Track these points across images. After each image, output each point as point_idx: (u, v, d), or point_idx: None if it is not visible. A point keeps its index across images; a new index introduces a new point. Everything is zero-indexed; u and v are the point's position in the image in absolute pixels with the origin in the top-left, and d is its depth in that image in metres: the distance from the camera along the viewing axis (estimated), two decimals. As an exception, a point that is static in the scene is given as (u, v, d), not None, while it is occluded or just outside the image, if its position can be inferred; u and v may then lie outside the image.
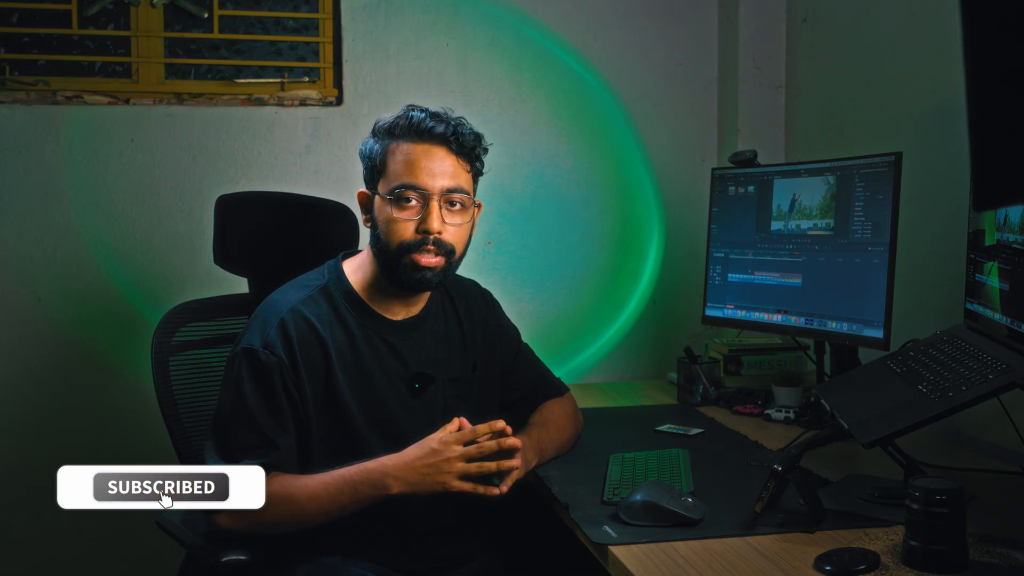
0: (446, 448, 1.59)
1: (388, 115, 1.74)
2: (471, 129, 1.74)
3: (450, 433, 1.61)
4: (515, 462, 1.62)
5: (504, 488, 1.61)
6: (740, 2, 2.80)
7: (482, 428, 1.62)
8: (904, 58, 2.32)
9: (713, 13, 2.91)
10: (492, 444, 1.60)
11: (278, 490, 1.59)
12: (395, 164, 1.70)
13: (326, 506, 1.60)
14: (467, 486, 1.59)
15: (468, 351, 1.87)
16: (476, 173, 1.77)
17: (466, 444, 1.60)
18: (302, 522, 1.61)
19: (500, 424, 1.62)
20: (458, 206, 1.72)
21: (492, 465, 1.60)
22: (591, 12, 2.85)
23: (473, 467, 1.59)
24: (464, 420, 1.64)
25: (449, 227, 1.71)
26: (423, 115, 1.70)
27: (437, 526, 1.75)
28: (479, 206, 1.78)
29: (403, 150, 1.70)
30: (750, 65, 2.82)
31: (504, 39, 2.80)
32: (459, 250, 1.75)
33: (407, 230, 1.69)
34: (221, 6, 2.70)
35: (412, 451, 1.61)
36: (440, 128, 1.70)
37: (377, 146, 1.74)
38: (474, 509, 1.80)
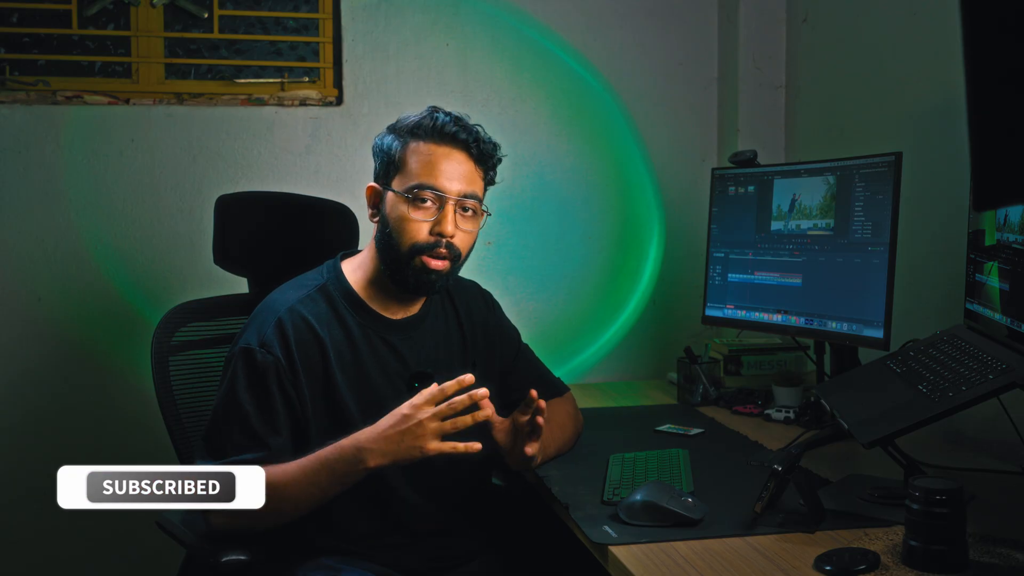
0: (417, 411, 1.56)
1: (411, 114, 1.75)
2: (490, 138, 1.75)
3: (419, 396, 1.58)
4: (488, 411, 1.59)
5: (529, 451, 1.67)
6: (740, 2, 2.80)
7: (450, 385, 1.57)
8: (904, 58, 2.32)
9: (713, 13, 2.91)
10: (463, 398, 1.56)
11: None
12: (414, 163, 1.71)
13: (307, 487, 1.58)
14: (446, 446, 1.56)
15: (468, 351, 1.87)
16: (489, 182, 1.78)
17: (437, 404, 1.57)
18: (287, 508, 1.59)
19: (469, 378, 1.58)
20: (471, 212, 1.73)
21: (468, 419, 1.56)
22: (591, 12, 2.85)
23: (447, 424, 1.56)
24: (436, 384, 1.59)
25: (460, 232, 1.72)
26: (448, 119, 1.71)
27: (437, 526, 1.75)
28: (487, 215, 1.78)
29: (424, 150, 1.71)
30: (750, 65, 2.82)
31: (504, 39, 2.80)
32: (463, 256, 1.76)
33: (421, 231, 1.70)
34: (221, 6, 2.70)
35: (384, 421, 1.58)
36: (463, 134, 1.71)
37: (396, 142, 1.74)
38: (474, 509, 1.80)
